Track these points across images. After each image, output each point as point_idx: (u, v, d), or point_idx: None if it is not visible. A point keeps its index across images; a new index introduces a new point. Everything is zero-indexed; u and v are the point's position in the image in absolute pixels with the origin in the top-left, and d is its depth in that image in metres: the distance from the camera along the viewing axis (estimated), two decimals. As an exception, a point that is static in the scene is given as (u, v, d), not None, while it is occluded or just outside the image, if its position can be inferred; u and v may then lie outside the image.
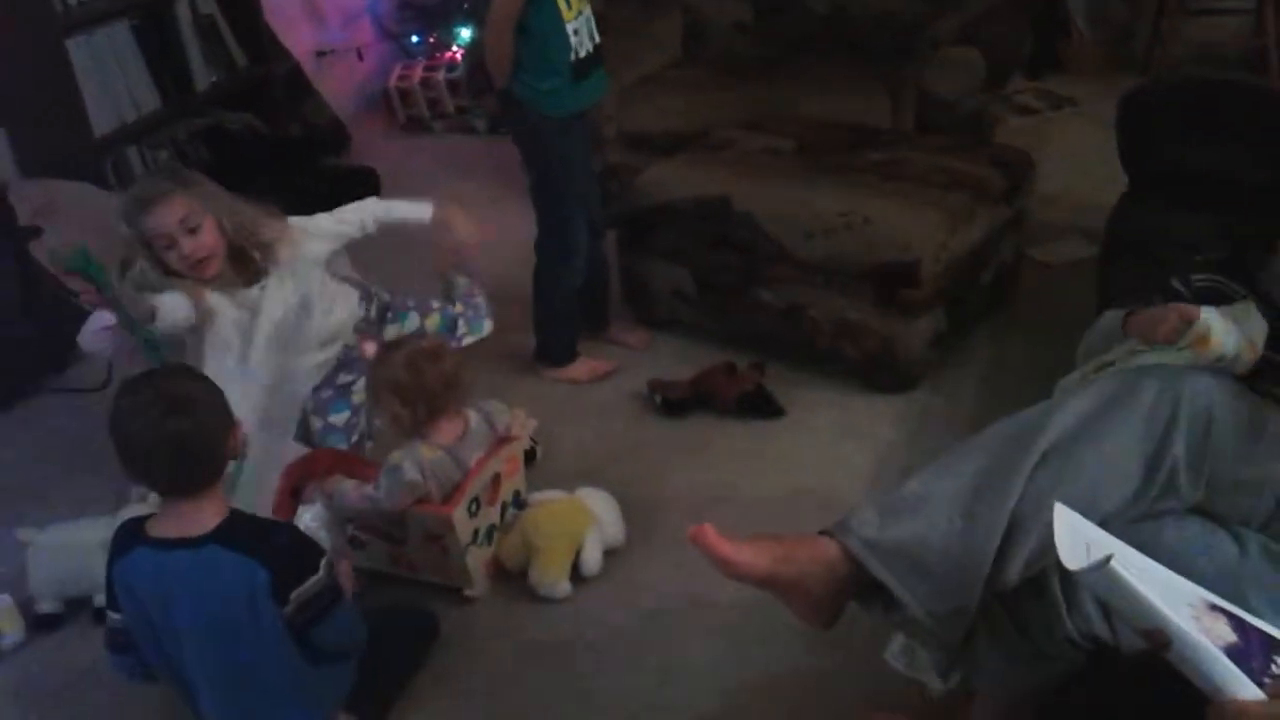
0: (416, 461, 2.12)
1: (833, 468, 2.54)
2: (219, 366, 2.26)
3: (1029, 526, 1.42)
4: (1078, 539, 1.14)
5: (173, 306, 2.23)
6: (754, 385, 2.70)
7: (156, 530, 1.74)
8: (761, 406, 2.69)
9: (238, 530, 1.73)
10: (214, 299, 2.31)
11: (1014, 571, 1.42)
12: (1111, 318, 1.77)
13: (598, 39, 2.69)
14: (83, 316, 3.19)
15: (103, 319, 2.24)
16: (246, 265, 2.37)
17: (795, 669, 2.02)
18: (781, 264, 2.80)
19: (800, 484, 2.49)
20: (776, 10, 4.02)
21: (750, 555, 1.46)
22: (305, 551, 1.79)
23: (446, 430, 2.19)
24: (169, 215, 2.24)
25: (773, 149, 3.08)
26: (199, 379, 1.80)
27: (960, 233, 2.71)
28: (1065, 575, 1.37)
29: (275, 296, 2.38)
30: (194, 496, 1.73)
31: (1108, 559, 1.07)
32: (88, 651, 2.19)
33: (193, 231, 2.26)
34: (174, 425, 1.67)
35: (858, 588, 1.48)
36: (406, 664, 2.05)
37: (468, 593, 2.22)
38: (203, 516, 1.73)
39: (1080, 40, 4.81)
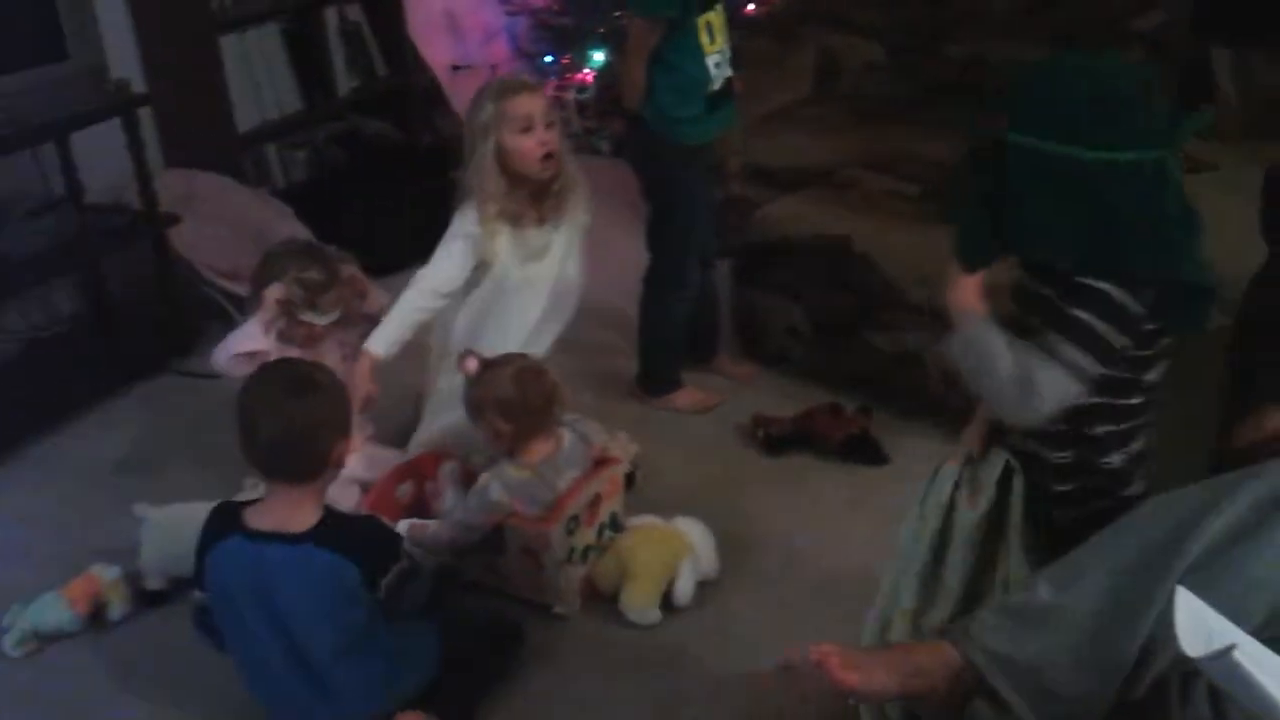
0: (504, 482, 2.16)
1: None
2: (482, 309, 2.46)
3: (1164, 647, 1.34)
4: (1199, 626, 1.10)
5: None
6: (860, 429, 2.66)
7: (254, 520, 1.80)
8: (866, 452, 2.65)
9: (332, 530, 1.79)
10: (501, 243, 2.46)
11: (1142, 689, 1.37)
12: None
13: (731, 73, 2.70)
14: (213, 308, 3.33)
15: (246, 340, 2.32)
16: (541, 204, 2.50)
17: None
18: (897, 308, 2.76)
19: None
20: (911, 53, 3.99)
21: (879, 680, 1.44)
22: (390, 543, 1.89)
23: (537, 450, 2.22)
24: (536, 103, 2.43)
25: (897, 192, 3.05)
26: (331, 379, 1.86)
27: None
28: (1181, 664, 1.31)
29: (554, 251, 2.54)
30: (295, 486, 1.79)
31: (1231, 648, 1.04)
32: (185, 629, 2.25)
33: (549, 126, 2.42)
34: (288, 408, 1.75)
35: (982, 688, 1.44)
36: (491, 672, 2.07)
37: (558, 610, 2.23)
38: (301, 513, 1.79)
39: (1225, 104, 4.66)
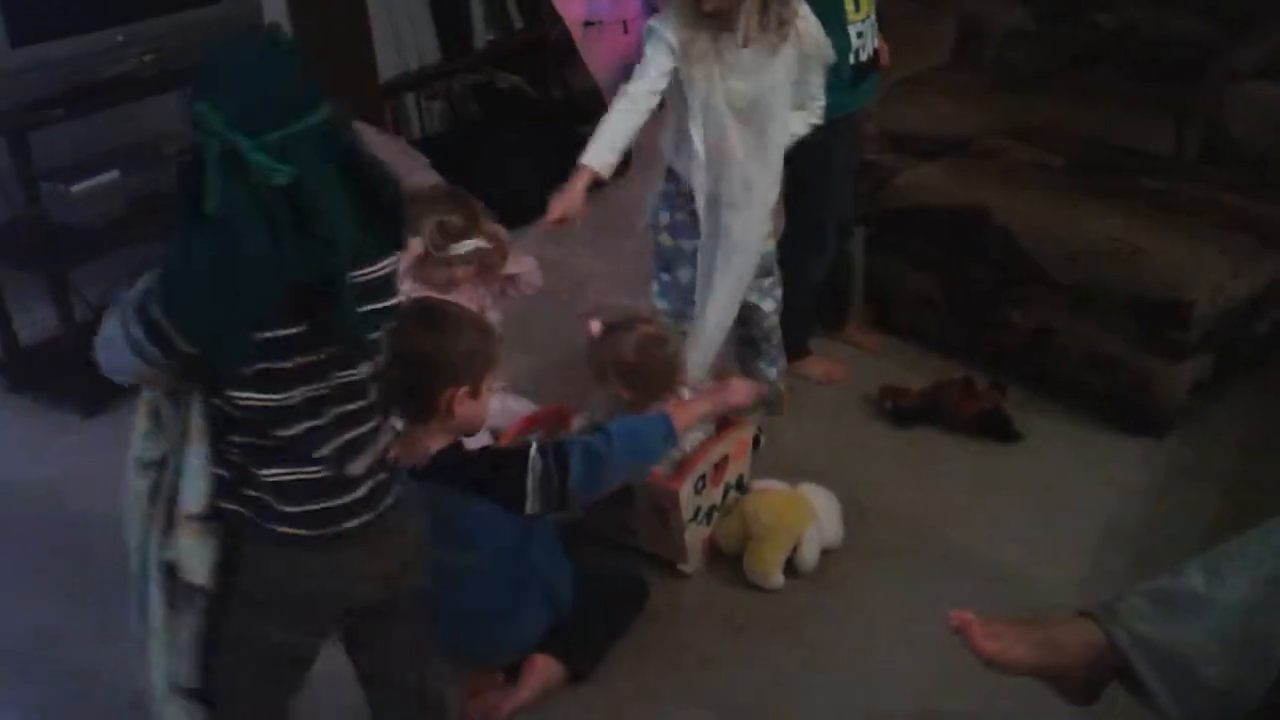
0: None
1: (1066, 505, 2.44)
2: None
3: None
4: None
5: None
6: (993, 405, 2.61)
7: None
8: (998, 429, 2.60)
9: (448, 467, 1.80)
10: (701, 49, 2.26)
11: None
12: None
13: (876, 44, 2.64)
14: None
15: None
16: (766, 16, 2.24)
17: (1003, 711, 1.95)
18: (1036, 284, 2.69)
19: (1030, 517, 2.40)
20: (1059, 20, 3.85)
21: (1017, 652, 1.41)
22: (510, 465, 1.81)
23: (659, 409, 2.21)
24: None
25: (1040, 164, 2.96)
26: (459, 326, 1.81)
27: (1242, 276, 2.54)
28: None
29: (764, 75, 2.30)
30: (409, 421, 1.77)
31: None
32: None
33: None
34: (406, 340, 1.63)
35: (1122, 672, 1.41)
36: (617, 623, 2.10)
37: (681, 567, 2.25)
38: (421, 448, 1.80)
39: None
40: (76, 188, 2.83)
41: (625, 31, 5.30)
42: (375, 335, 1.41)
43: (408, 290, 2.37)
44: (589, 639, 2.03)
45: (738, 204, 2.36)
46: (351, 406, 1.39)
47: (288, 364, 1.33)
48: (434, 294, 2.39)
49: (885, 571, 2.25)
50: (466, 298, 2.48)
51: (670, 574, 2.26)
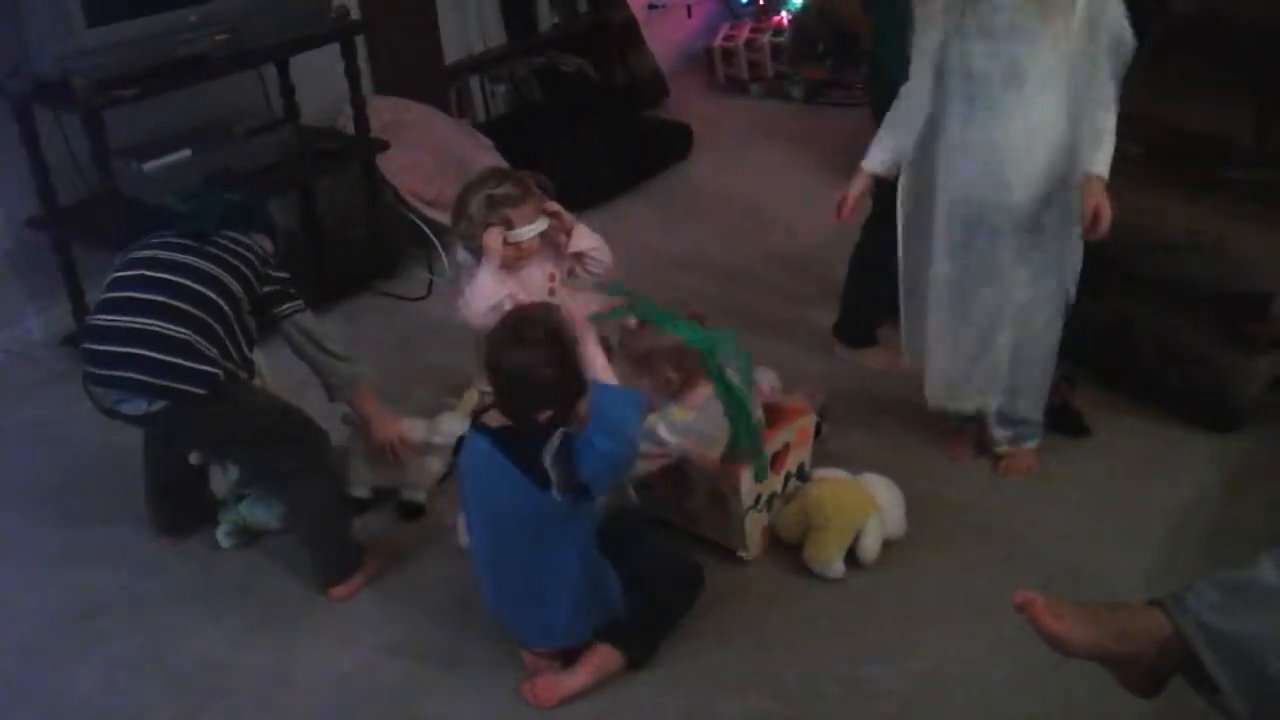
0: (670, 425, 2.16)
1: (1135, 501, 2.38)
2: None
3: None
4: None
5: None
6: (1062, 400, 2.55)
7: (490, 417, 1.95)
8: (1067, 423, 2.54)
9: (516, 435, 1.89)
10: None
11: None
12: None
13: None
14: (415, 233, 3.42)
15: (483, 293, 2.32)
16: None
17: (1073, 704, 1.91)
18: (1112, 275, 2.62)
19: (1098, 513, 2.35)
20: (1136, 5, 3.74)
21: (1082, 633, 1.37)
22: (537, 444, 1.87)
23: (700, 392, 2.21)
24: None
25: (1119, 152, 2.88)
26: (559, 331, 1.91)
27: (1325, 270, 2.46)
28: None
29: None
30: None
31: None
32: (387, 536, 2.38)
33: None
34: (504, 355, 1.88)
35: (1187, 664, 1.37)
36: (673, 611, 2.09)
37: (740, 554, 2.24)
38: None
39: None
40: (149, 166, 2.88)
41: (689, 15, 5.32)
42: None
43: (489, 284, 2.37)
44: (645, 626, 2.02)
45: None
46: None
47: None
48: (506, 275, 2.39)
49: (948, 564, 2.22)
50: (535, 275, 2.47)
51: (729, 560, 2.24)
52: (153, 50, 2.78)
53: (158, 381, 2.01)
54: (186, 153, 2.95)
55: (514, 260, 2.36)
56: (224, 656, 2.12)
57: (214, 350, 2.06)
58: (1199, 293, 2.49)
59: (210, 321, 2.07)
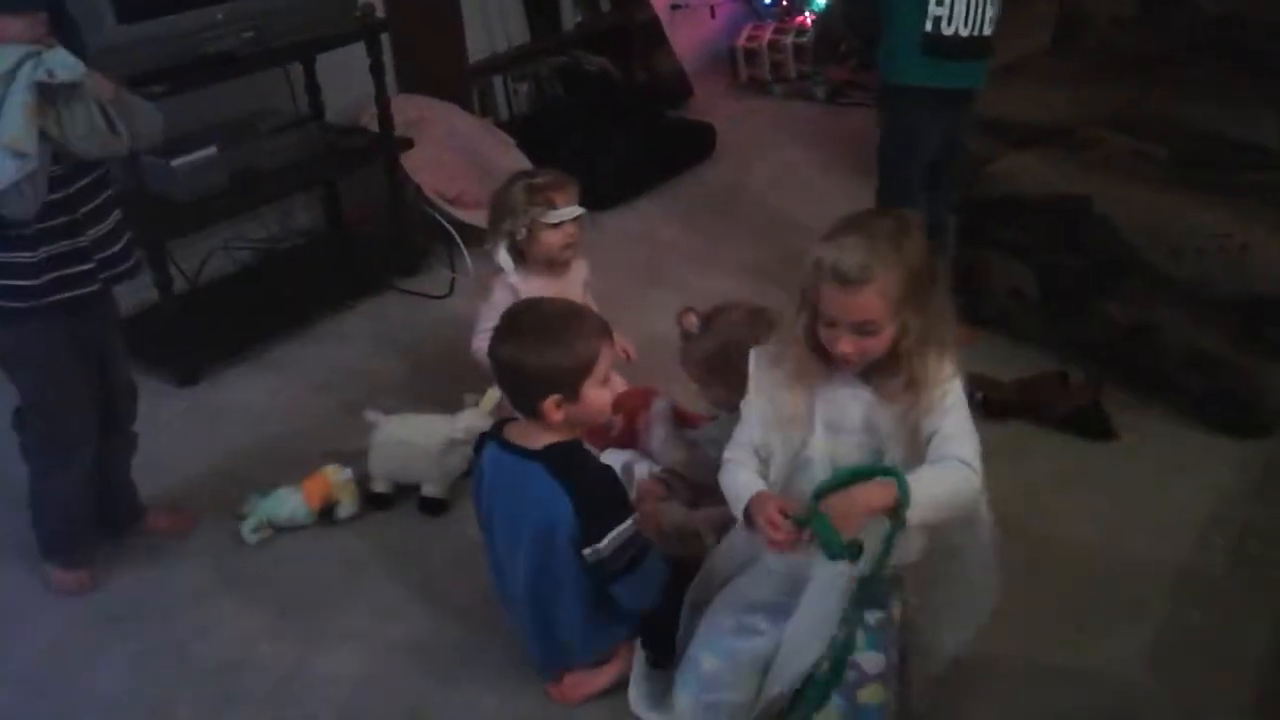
0: (710, 438, 2.15)
1: (1160, 506, 2.36)
2: None
3: None
4: None
5: None
6: (1089, 402, 2.54)
7: (510, 433, 1.89)
8: (1093, 426, 2.53)
9: (562, 458, 1.83)
10: None
11: None
12: None
13: (986, 30, 2.59)
14: (438, 231, 3.43)
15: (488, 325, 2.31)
16: None
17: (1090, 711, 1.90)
18: (1137, 278, 2.62)
19: (1123, 517, 2.34)
20: (1163, 6, 3.73)
21: None
22: (616, 497, 1.87)
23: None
24: None
25: (1143, 154, 2.88)
26: (569, 325, 1.83)
27: (1354, 274, 2.44)
28: None
29: None
30: (526, 418, 1.86)
31: None
32: (409, 532, 2.39)
33: None
34: (509, 350, 1.81)
35: None
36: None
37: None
38: (543, 436, 1.84)
39: None
40: (176, 162, 2.89)
41: (712, 15, 5.32)
42: None
43: (517, 283, 2.38)
44: (668, 627, 2.01)
45: None
46: None
47: None
48: (541, 282, 2.39)
49: (972, 565, 2.21)
50: (573, 281, 2.47)
51: (751, 560, 2.24)
52: (181, 47, 2.79)
53: None
54: (213, 149, 2.97)
55: (560, 251, 2.37)
56: (244, 654, 2.12)
57: None
58: (1224, 296, 2.47)
59: None
